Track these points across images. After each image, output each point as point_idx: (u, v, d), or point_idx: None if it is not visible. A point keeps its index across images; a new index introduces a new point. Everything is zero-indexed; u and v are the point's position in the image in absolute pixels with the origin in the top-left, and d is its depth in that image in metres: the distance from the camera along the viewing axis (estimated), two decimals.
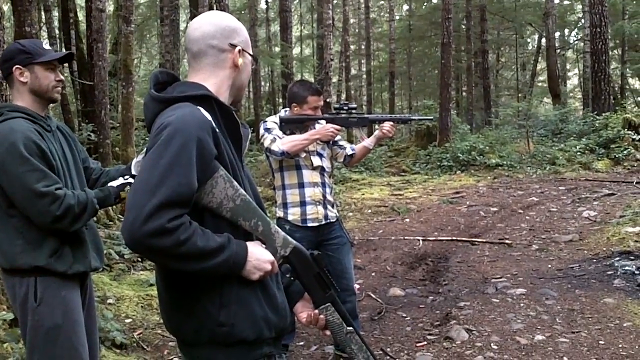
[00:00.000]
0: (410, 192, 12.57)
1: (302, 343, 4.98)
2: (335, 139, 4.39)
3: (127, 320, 4.96)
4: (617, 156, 14.97)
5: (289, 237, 1.92)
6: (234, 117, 1.90)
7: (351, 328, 2.00)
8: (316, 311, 1.97)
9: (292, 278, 1.97)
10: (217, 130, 1.79)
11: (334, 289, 1.99)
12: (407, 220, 9.78)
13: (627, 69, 24.83)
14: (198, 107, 1.79)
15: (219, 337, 1.80)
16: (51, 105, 2.98)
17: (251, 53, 2.00)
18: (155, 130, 1.76)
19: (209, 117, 1.78)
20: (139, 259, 6.41)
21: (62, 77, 2.90)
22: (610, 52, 19.49)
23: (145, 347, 4.61)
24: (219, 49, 1.92)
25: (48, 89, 2.82)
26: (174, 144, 1.67)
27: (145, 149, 1.82)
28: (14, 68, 2.77)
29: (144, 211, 1.60)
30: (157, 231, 1.61)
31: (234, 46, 1.93)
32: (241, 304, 1.81)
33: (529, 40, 33.78)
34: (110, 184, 2.91)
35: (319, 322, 1.97)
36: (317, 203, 4.30)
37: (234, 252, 1.75)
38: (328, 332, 2.00)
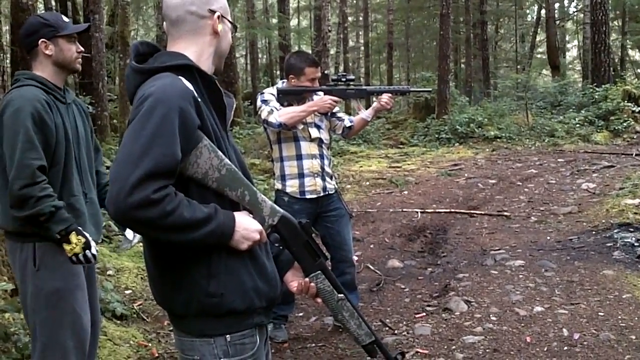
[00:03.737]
0: (409, 164, 12.55)
1: (301, 314, 5.00)
2: (333, 110, 4.36)
3: (127, 292, 4.97)
4: (616, 128, 14.93)
5: (276, 205, 1.91)
6: (217, 86, 1.87)
7: (342, 295, 1.99)
8: (306, 279, 1.96)
9: (281, 247, 1.95)
10: (200, 99, 1.77)
11: (324, 256, 1.98)
12: (405, 192, 9.77)
13: (628, 41, 24.73)
14: (179, 77, 1.77)
15: (209, 308, 1.79)
16: None
17: (230, 20, 1.96)
18: (136, 102, 1.73)
19: (191, 87, 1.76)
20: None
21: (81, 48, 2.97)
22: (610, 23, 19.36)
23: (145, 318, 4.62)
24: (198, 15, 1.87)
25: (71, 61, 2.90)
26: (156, 115, 1.65)
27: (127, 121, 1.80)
28: (39, 41, 2.82)
29: (127, 183, 1.59)
30: (143, 202, 1.59)
31: (213, 12, 1.88)
32: (230, 274, 1.80)
33: (528, 11, 33.53)
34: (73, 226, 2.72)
35: (309, 290, 1.96)
36: (316, 175, 4.28)
37: (221, 222, 1.73)
38: (319, 300, 1.99)
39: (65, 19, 2.95)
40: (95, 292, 3.09)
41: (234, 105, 2.03)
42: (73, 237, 2.65)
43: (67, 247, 2.64)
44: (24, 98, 2.68)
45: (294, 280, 2.01)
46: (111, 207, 1.62)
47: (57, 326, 2.74)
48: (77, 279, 2.80)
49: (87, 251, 2.68)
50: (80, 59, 2.96)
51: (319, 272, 1.96)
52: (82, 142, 2.94)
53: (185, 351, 1.87)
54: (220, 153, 1.78)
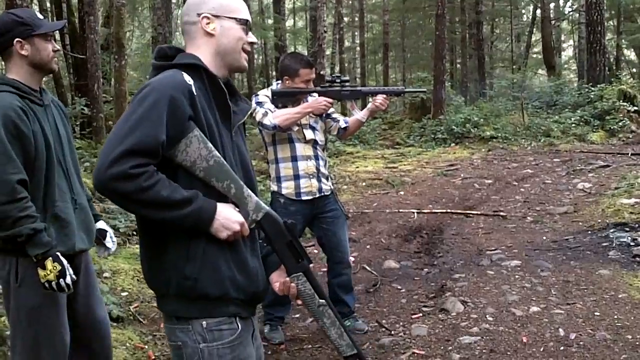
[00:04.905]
0: (405, 164, 12.54)
1: (297, 315, 5.00)
2: (329, 111, 4.35)
3: (124, 294, 4.96)
4: (612, 128, 14.93)
5: (262, 202, 1.98)
6: (221, 86, 1.98)
7: (324, 301, 2.03)
8: (287, 279, 2.03)
9: (264, 244, 2.02)
10: (198, 94, 1.88)
11: (307, 259, 2.03)
12: (402, 193, 9.77)
13: (623, 40, 24.76)
14: (183, 72, 1.89)
15: (184, 290, 1.89)
16: (44, 78, 2.91)
17: (232, 16, 2.02)
18: (137, 91, 1.87)
19: (189, 81, 1.88)
20: (134, 233, 6.38)
21: (58, 47, 2.84)
22: (605, 23, 19.39)
23: (141, 320, 4.61)
24: (191, 23, 2.02)
25: (48, 61, 2.78)
26: (147, 101, 1.80)
27: None
28: (14, 41, 2.69)
29: (109, 157, 1.73)
30: (120, 175, 1.72)
31: (200, 15, 2.00)
32: (207, 261, 1.88)
33: (523, 11, 33.52)
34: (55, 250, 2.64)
35: (290, 290, 2.03)
36: (311, 176, 4.28)
37: (200, 207, 1.83)
38: (300, 302, 2.06)
39: (40, 16, 2.82)
40: (97, 304, 3.03)
41: (248, 111, 2.13)
42: (49, 264, 2.57)
43: (41, 272, 2.57)
44: None
45: (278, 281, 2.08)
46: (94, 178, 1.77)
47: (36, 342, 2.71)
48: (58, 296, 2.73)
49: (61, 280, 2.59)
50: (56, 59, 2.84)
51: (301, 274, 2.01)
52: (65, 144, 2.83)
53: (170, 338, 1.97)
54: (210, 145, 1.87)
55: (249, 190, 1.94)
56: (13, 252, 2.61)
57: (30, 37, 2.71)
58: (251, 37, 2.06)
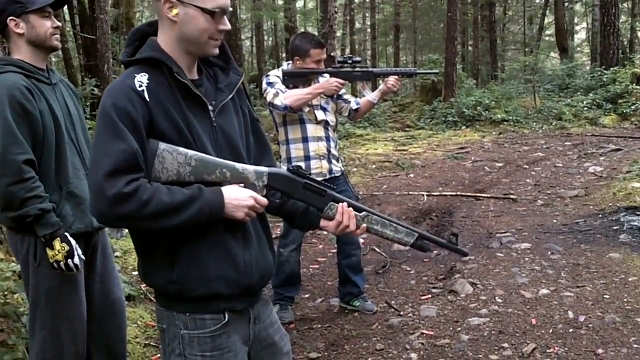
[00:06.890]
0: (415, 147, 12.52)
1: (307, 295, 5.03)
2: (340, 92, 4.34)
3: (134, 273, 4.99)
4: (624, 111, 14.81)
5: (260, 167, 1.97)
6: (177, 78, 1.85)
7: (365, 212, 2.09)
8: (350, 212, 2.05)
9: (282, 199, 2.02)
10: (153, 92, 1.80)
11: (329, 187, 2.06)
12: (412, 175, 9.76)
13: (637, 23, 24.46)
14: (135, 73, 1.82)
15: (173, 293, 1.90)
16: (53, 59, 2.89)
17: (198, 5, 1.82)
18: None
19: (140, 86, 1.79)
20: None
21: (58, 23, 2.80)
22: (620, 5, 19.16)
23: (152, 298, 4.64)
24: (157, 0, 1.87)
25: (46, 37, 2.74)
26: (105, 120, 1.75)
27: None
28: (8, 20, 2.68)
29: (99, 186, 1.69)
30: (117, 198, 1.68)
31: None
32: (193, 263, 1.87)
33: None
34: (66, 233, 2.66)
35: (351, 216, 2.06)
36: (322, 157, 4.28)
37: (207, 199, 1.80)
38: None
39: None
40: (113, 282, 3.06)
41: (238, 83, 2.04)
42: (57, 244, 2.59)
43: (49, 252, 2.60)
44: (1, 87, 2.55)
45: (331, 224, 2.09)
46: (94, 212, 1.74)
47: (55, 320, 2.75)
48: (76, 276, 2.77)
49: (70, 260, 2.61)
50: (57, 35, 2.78)
51: (331, 202, 2.05)
52: (76, 122, 2.83)
53: (158, 320, 2.00)
54: (181, 149, 1.82)
55: (241, 164, 1.92)
56: (30, 231, 2.63)
57: (24, 14, 2.68)
58: (223, 25, 1.87)
